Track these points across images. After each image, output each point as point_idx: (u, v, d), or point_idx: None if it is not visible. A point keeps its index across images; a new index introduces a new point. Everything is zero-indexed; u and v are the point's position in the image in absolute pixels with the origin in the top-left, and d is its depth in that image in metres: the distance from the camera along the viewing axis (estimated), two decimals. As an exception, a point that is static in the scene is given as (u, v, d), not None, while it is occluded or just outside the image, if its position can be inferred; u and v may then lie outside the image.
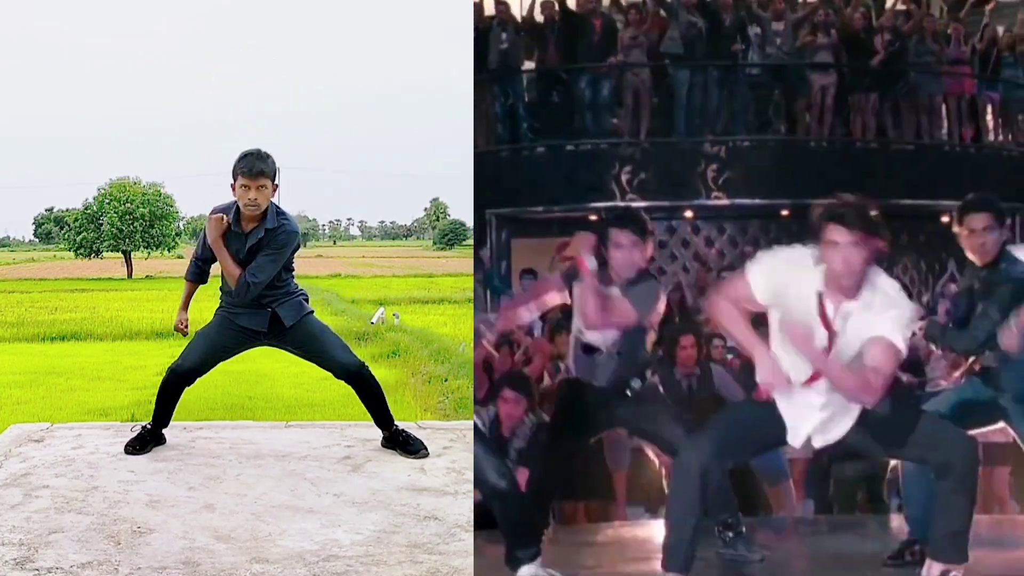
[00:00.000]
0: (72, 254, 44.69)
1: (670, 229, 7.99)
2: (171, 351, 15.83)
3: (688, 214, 7.85)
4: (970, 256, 3.52)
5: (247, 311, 4.70)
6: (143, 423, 4.89)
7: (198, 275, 4.94)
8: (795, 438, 3.07)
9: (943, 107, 7.77)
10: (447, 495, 4.06)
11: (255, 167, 4.52)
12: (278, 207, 4.68)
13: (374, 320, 18.45)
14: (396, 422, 4.86)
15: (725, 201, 7.25)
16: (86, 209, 42.92)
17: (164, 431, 4.85)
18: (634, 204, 7.21)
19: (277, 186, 4.66)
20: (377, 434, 4.97)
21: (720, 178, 7.38)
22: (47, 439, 4.97)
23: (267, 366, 12.76)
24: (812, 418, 3.04)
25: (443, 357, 14.32)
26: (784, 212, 6.79)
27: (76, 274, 39.03)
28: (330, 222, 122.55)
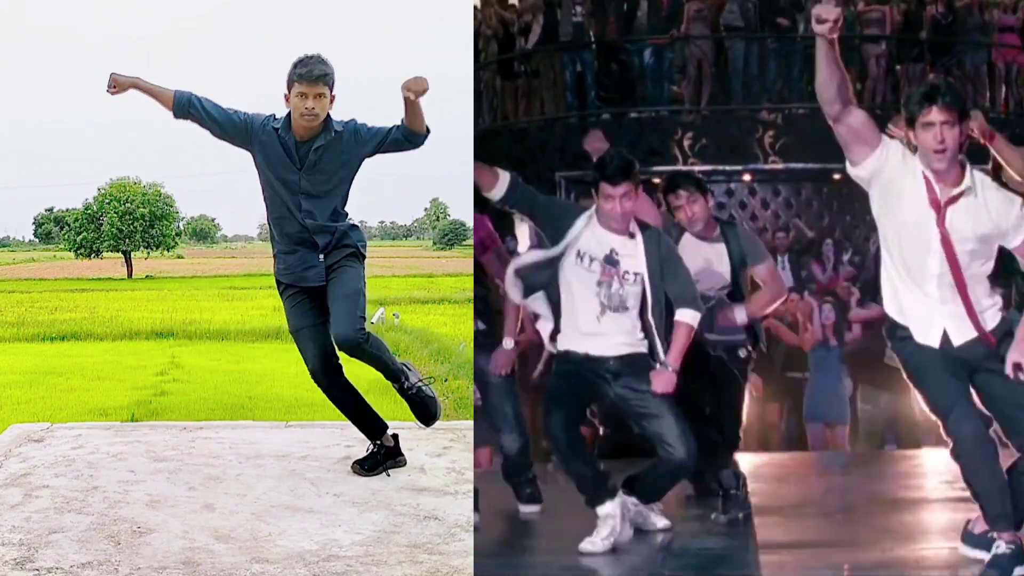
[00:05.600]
0: (72, 254, 44.58)
1: (728, 192, 8.35)
2: (171, 351, 15.80)
3: (746, 177, 8.24)
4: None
5: (313, 265, 4.29)
6: (372, 445, 4.46)
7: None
8: (929, 335, 3.12)
9: (987, 75, 8.02)
10: (447, 495, 4.06)
11: (315, 71, 4.03)
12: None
13: (374, 320, 18.43)
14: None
15: (780, 165, 7.76)
16: (86, 209, 42.80)
17: (382, 441, 4.47)
18: (696, 168, 7.56)
19: (334, 98, 4.15)
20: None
21: (777, 143, 7.75)
22: (47, 439, 4.98)
23: (267, 366, 12.73)
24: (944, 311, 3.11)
25: (443, 357, 14.31)
26: (836, 176, 7.07)
27: (76, 274, 38.96)
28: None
